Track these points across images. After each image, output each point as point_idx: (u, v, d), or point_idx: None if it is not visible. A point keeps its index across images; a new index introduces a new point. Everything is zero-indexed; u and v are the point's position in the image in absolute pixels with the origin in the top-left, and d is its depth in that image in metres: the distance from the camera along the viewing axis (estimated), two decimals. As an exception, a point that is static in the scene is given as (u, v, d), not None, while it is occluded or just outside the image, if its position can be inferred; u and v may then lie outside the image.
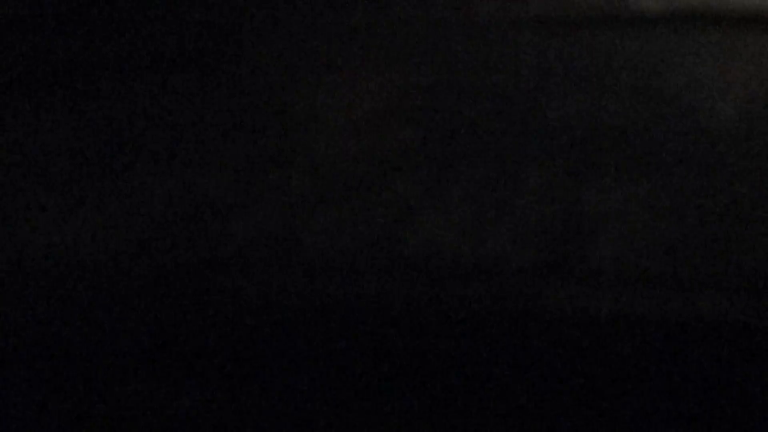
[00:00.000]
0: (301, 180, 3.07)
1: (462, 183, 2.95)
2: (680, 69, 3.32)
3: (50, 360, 2.38)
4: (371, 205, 2.95)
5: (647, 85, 3.28)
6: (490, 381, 2.25)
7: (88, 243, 2.87)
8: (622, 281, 2.29)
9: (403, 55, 3.39)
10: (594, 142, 3.05)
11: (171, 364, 2.34)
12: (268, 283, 2.57)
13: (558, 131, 3.16)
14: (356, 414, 2.10)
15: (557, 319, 2.23)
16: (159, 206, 2.99)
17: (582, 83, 3.31)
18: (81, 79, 3.31)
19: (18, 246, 2.75)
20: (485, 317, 2.34)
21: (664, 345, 2.16)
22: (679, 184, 2.84)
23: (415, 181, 3.04)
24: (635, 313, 2.13)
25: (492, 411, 2.10)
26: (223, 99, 3.34)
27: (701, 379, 2.09)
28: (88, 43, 3.16)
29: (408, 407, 2.17)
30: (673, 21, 3.42)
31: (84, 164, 3.11)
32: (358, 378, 2.24)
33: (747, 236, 2.42)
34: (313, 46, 3.29)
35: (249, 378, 2.24)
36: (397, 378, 2.26)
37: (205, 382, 2.22)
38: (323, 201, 3.00)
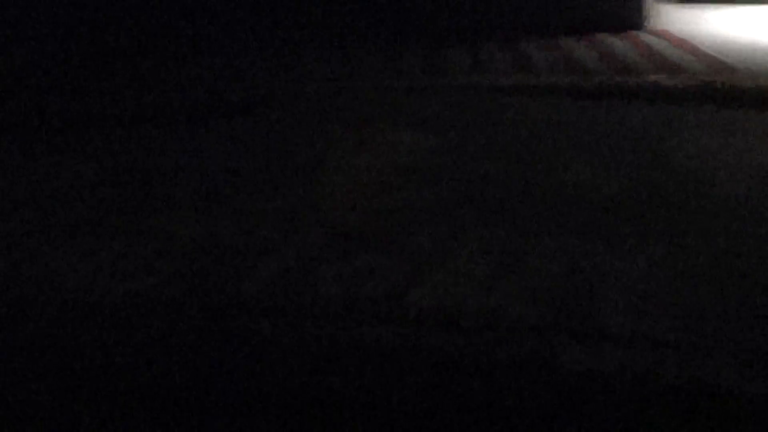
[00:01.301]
0: (321, 230, 3.30)
1: (475, 240, 3.17)
2: (691, 140, 3.64)
3: (64, 389, 2.49)
4: (386, 257, 3.17)
5: (659, 154, 3.60)
6: (496, 430, 2.34)
7: (109, 283, 3.06)
8: (627, 342, 2.44)
9: (428, 118, 3.72)
10: (605, 207, 3.30)
11: (190, 400, 2.45)
12: (284, 326, 2.75)
13: (570, 195, 3.42)
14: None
15: (563, 375, 2.37)
16: (181, 250, 3.21)
17: (596, 150, 3.64)
18: (109, 125, 3.60)
19: (38, 283, 2.95)
20: (492, 370, 2.49)
21: (666, 406, 2.27)
22: (689, 250, 3.05)
23: (430, 237, 3.26)
24: (638, 373, 2.26)
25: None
26: (251, 148, 3.66)
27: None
28: (118, 93, 3.43)
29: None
30: (684, 96, 3.76)
31: (109, 207, 3.37)
32: (364, 420, 2.34)
33: (755, 304, 2.59)
34: (344, 104, 3.59)
35: (263, 412, 2.35)
36: (402, 424, 2.37)
37: (222, 417, 2.33)
38: (341, 251, 3.22)
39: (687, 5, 9.99)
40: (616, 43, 7.93)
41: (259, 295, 3.33)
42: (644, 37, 8.21)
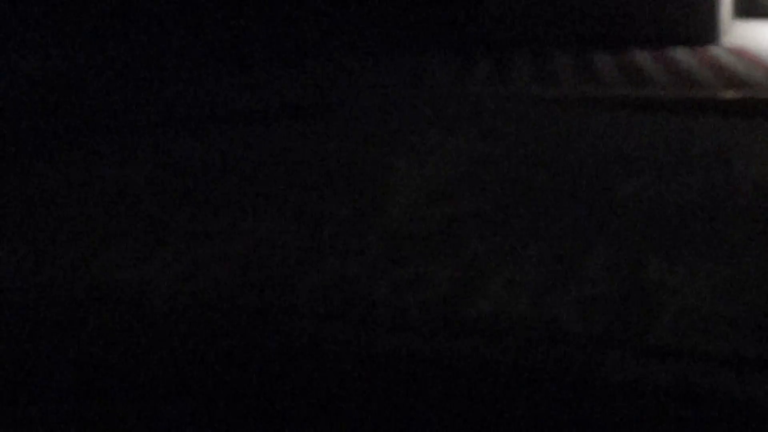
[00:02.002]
0: (377, 237, 3.34)
1: (531, 250, 3.19)
2: (759, 156, 3.61)
3: (117, 388, 2.53)
4: (442, 265, 3.19)
5: (725, 169, 3.58)
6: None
7: (166, 283, 3.13)
8: (680, 356, 2.42)
9: (488, 127, 3.75)
10: (665, 221, 3.29)
11: (238, 399, 2.47)
12: (340, 331, 2.78)
13: (626, 206, 3.42)
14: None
15: (615, 387, 2.37)
16: (238, 252, 3.27)
17: (660, 163, 3.63)
18: (173, 126, 3.68)
19: (99, 279, 3.03)
20: (547, 380, 2.49)
21: (718, 421, 2.25)
22: (743, 264, 3.02)
23: (486, 246, 3.28)
24: (691, 387, 2.25)
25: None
26: (311, 153, 3.73)
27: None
28: (183, 94, 3.51)
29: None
30: (752, 111, 3.72)
31: (171, 207, 3.45)
32: (413, 427, 2.35)
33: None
34: (405, 111, 3.65)
35: (312, 416, 2.37)
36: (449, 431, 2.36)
37: (269, 418, 2.36)
38: (396, 258, 3.26)
39: (766, 21, 9.82)
40: (688, 57, 7.83)
41: (314, 299, 3.36)
42: (717, 52, 8.08)
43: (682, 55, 7.91)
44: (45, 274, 3.61)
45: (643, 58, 7.74)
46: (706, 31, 8.61)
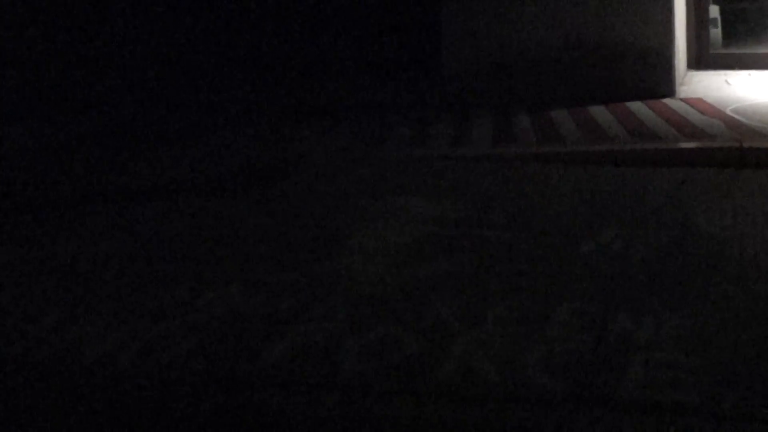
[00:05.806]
0: (342, 302, 3.28)
1: (496, 311, 3.13)
2: (718, 205, 3.58)
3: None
4: (408, 329, 3.12)
5: (685, 220, 3.55)
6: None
7: (134, 353, 3.05)
8: (649, 411, 2.36)
9: (449, 187, 3.74)
10: (629, 275, 3.26)
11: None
12: (305, 400, 2.70)
13: (590, 263, 3.38)
14: None
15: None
16: (203, 322, 3.19)
17: (621, 218, 3.60)
18: (135, 198, 3.62)
19: (67, 351, 2.93)
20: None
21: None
22: (709, 317, 2.97)
23: (451, 309, 3.22)
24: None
25: None
26: (270, 222, 3.67)
27: None
28: (145, 167, 3.45)
29: None
30: (711, 162, 3.73)
31: (133, 278, 3.37)
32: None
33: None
34: (364, 174, 3.63)
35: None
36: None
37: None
38: (362, 324, 3.19)
39: (720, 71, 9.94)
40: (646, 111, 7.88)
41: (278, 369, 3.31)
42: (675, 104, 8.16)
43: (640, 108, 7.97)
44: (3, 350, 3.56)
45: (601, 113, 7.78)
46: (663, 84, 8.70)
